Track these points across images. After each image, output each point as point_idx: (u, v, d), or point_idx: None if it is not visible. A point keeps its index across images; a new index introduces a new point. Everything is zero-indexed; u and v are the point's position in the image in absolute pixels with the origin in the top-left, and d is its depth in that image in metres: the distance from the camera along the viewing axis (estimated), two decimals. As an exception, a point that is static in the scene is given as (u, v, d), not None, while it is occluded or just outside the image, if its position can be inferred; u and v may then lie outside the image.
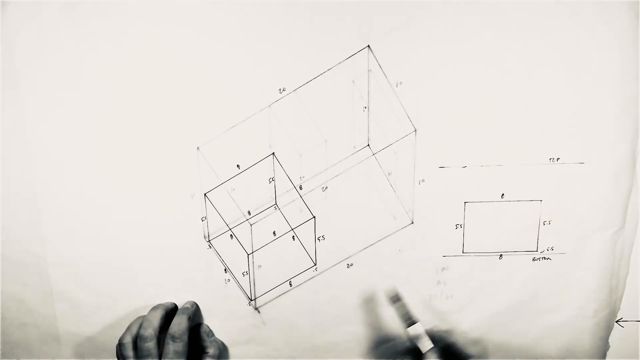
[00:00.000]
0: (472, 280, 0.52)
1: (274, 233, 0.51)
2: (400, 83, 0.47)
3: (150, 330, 0.47)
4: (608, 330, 0.53)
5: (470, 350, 0.46)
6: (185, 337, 0.48)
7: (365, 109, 0.48)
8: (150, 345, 0.46)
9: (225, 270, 0.52)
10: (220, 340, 0.53)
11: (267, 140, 0.49)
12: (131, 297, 0.53)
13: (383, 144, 0.49)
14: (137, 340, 0.47)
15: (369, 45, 0.46)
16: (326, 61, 0.46)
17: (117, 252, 0.51)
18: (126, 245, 0.51)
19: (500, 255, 0.51)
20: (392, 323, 0.52)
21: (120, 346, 0.47)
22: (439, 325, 0.51)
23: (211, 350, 0.51)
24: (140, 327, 0.48)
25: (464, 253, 0.51)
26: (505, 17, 0.45)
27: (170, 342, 0.47)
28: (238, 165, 0.49)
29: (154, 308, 0.50)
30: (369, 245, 0.51)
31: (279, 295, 0.53)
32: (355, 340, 0.53)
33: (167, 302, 0.52)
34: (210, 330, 0.53)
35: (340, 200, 0.50)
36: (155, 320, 0.48)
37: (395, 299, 0.49)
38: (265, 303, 0.53)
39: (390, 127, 0.48)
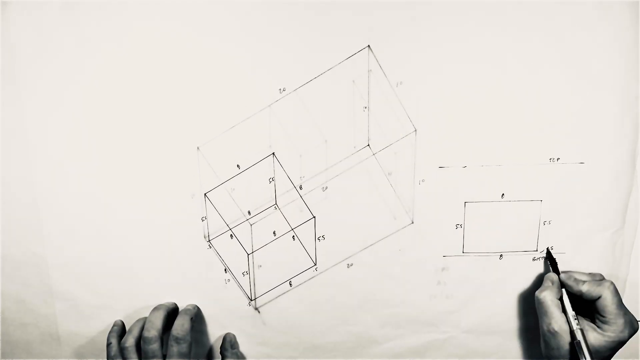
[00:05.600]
0: (472, 280, 0.51)
1: (274, 233, 0.51)
2: (400, 83, 0.47)
3: (154, 331, 0.47)
4: (608, 330, 0.53)
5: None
6: (189, 338, 0.48)
7: (365, 109, 0.48)
8: (155, 347, 0.46)
9: (225, 270, 0.52)
10: (241, 353, 0.53)
11: (267, 140, 0.49)
12: (131, 297, 0.53)
13: (383, 144, 0.49)
14: (139, 342, 0.47)
15: (369, 45, 0.46)
16: (326, 61, 0.46)
17: (117, 252, 0.51)
18: (126, 245, 0.51)
19: (500, 255, 0.51)
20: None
21: (123, 350, 0.47)
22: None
23: None
24: (142, 329, 0.48)
25: (464, 253, 0.51)
26: (506, 17, 0.45)
27: (174, 344, 0.47)
28: (238, 165, 0.49)
29: (156, 309, 0.50)
30: (369, 245, 0.51)
31: (279, 295, 0.53)
32: (355, 340, 0.53)
33: (168, 303, 0.52)
34: (236, 342, 0.53)
35: (340, 200, 0.50)
36: (158, 321, 0.48)
37: None
38: (265, 303, 0.53)
39: (390, 127, 0.48)
